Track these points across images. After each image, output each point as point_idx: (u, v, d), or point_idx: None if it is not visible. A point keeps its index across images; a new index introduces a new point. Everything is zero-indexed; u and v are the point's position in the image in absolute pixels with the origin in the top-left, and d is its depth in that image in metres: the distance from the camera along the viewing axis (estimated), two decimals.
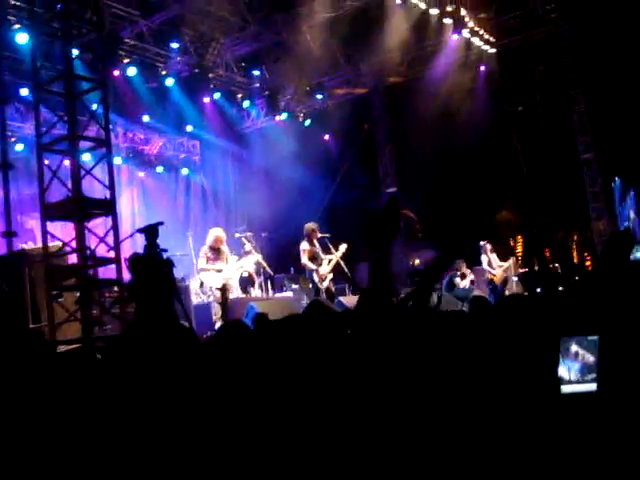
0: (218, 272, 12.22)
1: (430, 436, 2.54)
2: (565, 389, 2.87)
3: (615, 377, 2.87)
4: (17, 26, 13.32)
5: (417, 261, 20.06)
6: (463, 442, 2.57)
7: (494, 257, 15.96)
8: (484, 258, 15.86)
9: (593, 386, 2.86)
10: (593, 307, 3.67)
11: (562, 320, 3.49)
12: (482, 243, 15.98)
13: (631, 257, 5.13)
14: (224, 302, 12.12)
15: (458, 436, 2.61)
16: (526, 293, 14.69)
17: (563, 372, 2.91)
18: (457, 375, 3.10)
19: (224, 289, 12.20)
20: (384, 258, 2.98)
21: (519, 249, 19.54)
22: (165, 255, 9.70)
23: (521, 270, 16.93)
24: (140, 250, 10.05)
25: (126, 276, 9.76)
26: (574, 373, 2.88)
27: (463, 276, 15.78)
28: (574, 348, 2.90)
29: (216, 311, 12.01)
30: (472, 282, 15.79)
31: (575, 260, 18.44)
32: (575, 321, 3.40)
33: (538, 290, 14.08)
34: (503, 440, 2.69)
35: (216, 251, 12.36)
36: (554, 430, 2.70)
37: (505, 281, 15.82)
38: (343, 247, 13.66)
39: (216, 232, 12.55)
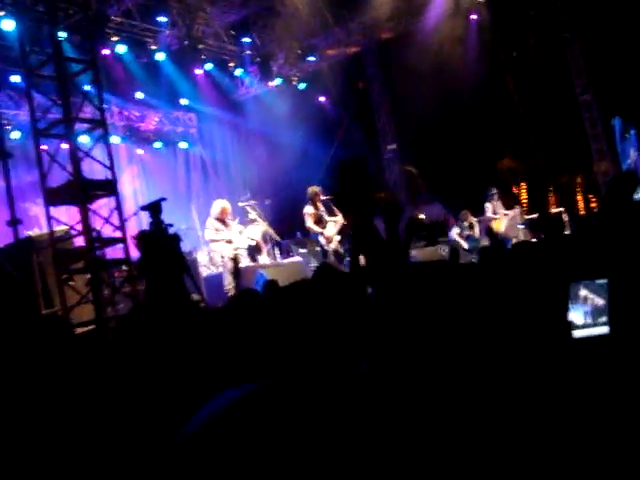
0: (228, 243, 12.25)
1: (446, 391, 2.57)
2: (577, 334, 2.89)
3: (627, 319, 2.88)
4: (2, 13, 13.24)
5: (422, 215, 20.08)
6: (478, 396, 2.60)
7: (499, 205, 15.94)
8: (488, 206, 15.82)
9: (605, 329, 2.88)
10: (599, 250, 3.69)
11: (570, 265, 3.51)
12: (493, 191, 15.94)
13: (635, 197, 5.14)
14: (236, 272, 12.17)
15: (473, 391, 2.63)
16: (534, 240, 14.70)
17: (574, 317, 2.92)
18: (469, 327, 3.12)
19: (235, 259, 12.26)
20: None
21: (524, 196, 19.52)
22: (171, 230, 9.75)
23: (527, 217, 16.90)
24: (146, 227, 10.11)
25: (134, 254, 9.82)
26: (585, 317, 2.90)
27: (471, 226, 15.78)
28: (583, 292, 2.91)
29: (229, 281, 12.06)
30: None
31: (580, 203, 18.43)
32: (582, 265, 3.42)
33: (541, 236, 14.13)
34: (518, 388, 2.71)
35: (222, 222, 12.36)
36: (568, 375, 2.72)
37: (510, 229, 15.79)
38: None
39: (221, 203, 12.53)
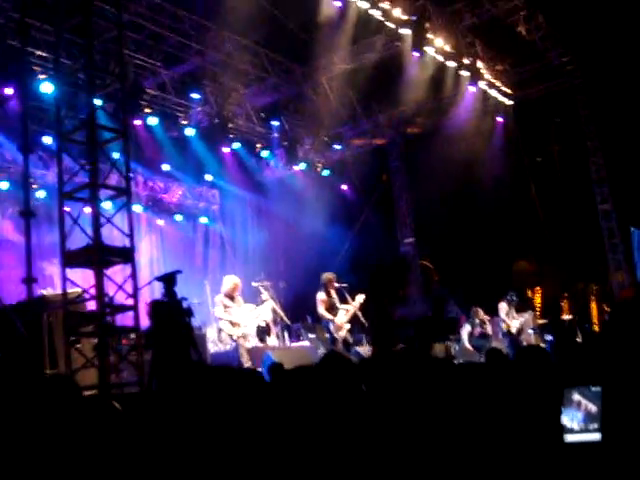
0: (234, 325, 12.24)
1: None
2: (569, 438, 2.87)
3: (619, 428, 2.86)
4: (42, 76, 13.65)
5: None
6: None
7: (513, 308, 15.86)
8: (503, 307, 15.68)
9: (597, 436, 2.86)
10: (598, 358, 3.68)
11: (567, 371, 3.50)
12: (512, 294, 15.85)
13: None
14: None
15: None
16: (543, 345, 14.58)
17: (566, 421, 2.91)
18: (466, 425, 3.10)
19: (244, 337, 12.23)
20: (385, 310, 3.02)
21: (537, 300, 19.44)
22: (184, 304, 9.77)
23: (539, 322, 16.81)
24: (158, 297, 10.14)
25: (144, 323, 9.81)
26: (577, 422, 2.89)
27: (483, 323, 15.69)
28: (576, 397, 2.91)
29: (246, 359, 12.02)
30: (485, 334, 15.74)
31: (594, 312, 18.30)
32: (579, 372, 3.41)
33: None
34: None
35: (231, 299, 12.36)
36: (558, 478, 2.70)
37: (520, 332, 15.68)
38: (360, 297, 13.66)
39: (232, 279, 12.57)
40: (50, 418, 3.13)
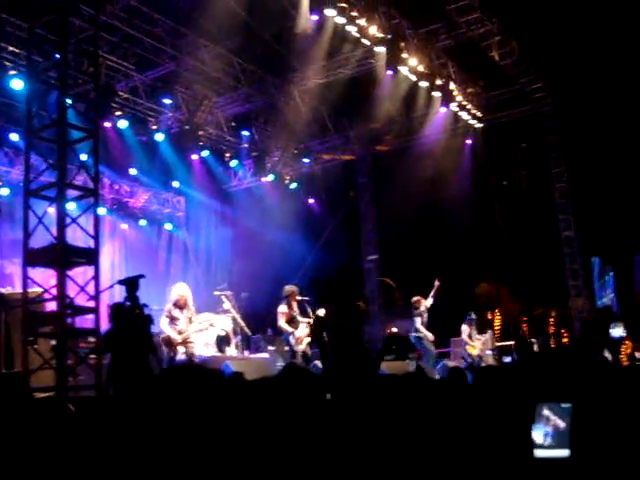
0: (179, 334, 11.85)
1: None
2: (538, 453, 2.89)
3: (587, 444, 2.89)
4: (13, 72, 13.49)
5: (394, 329, 20.05)
6: None
7: (474, 329, 15.90)
8: (465, 329, 15.68)
9: (565, 452, 2.88)
10: (568, 376, 3.71)
11: (537, 387, 3.53)
12: (472, 315, 15.82)
13: (610, 333, 5.20)
14: (189, 356, 11.79)
15: None
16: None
17: (536, 436, 2.93)
18: (434, 440, 3.10)
19: (185, 342, 11.80)
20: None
21: (497, 323, 19.58)
22: (146, 310, 9.67)
23: (497, 344, 16.91)
24: (120, 301, 10.03)
25: (103, 327, 9.70)
26: (545, 438, 2.91)
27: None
28: (546, 413, 2.93)
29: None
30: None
31: (551, 336, 18.48)
32: (549, 389, 3.44)
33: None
34: None
35: (180, 310, 11.90)
36: None
37: (480, 355, 15.71)
38: (321, 311, 13.65)
39: (179, 289, 12.00)
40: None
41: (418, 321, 15.17)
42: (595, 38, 14.39)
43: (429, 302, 15.21)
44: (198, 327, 13.26)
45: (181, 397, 2.94)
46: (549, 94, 17.62)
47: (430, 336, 15.11)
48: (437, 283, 15.21)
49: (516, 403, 3.17)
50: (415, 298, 15.45)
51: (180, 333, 11.68)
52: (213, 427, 2.93)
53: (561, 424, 2.87)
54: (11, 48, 13.50)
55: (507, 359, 16.13)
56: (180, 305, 11.87)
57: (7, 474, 2.76)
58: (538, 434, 2.90)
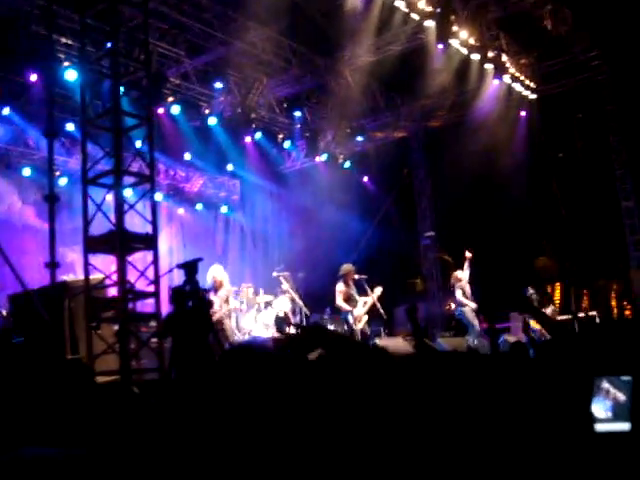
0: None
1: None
2: (599, 427, 2.86)
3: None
4: (67, 63, 13.71)
5: (453, 306, 19.94)
6: None
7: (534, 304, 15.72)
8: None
9: (626, 426, 2.84)
10: (629, 348, 3.66)
11: (596, 360, 3.48)
12: (530, 290, 15.66)
13: None
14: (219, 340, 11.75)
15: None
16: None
17: (595, 410, 2.90)
18: (493, 416, 3.09)
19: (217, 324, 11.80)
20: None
21: (557, 296, 19.35)
22: (206, 295, 9.79)
23: (559, 318, 16.70)
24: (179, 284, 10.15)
25: (163, 311, 9.84)
26: (605, 411, 2.87)
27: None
28: (605, 386, 2.89)
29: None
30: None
31: (614, 309, 18.19)
32: (609, 362, 3.39)
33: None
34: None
35: (215, 292, 11.89)
36: (589, 468, 2.68)
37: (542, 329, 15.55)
38: (379, 290, 13.69)
39: (212, 272, 12.15)
40: (66, 400, 3.15)
41: (459, 293, 15.09)
42: None
43: (466, 274, 15.07)
44: (232, 306, 13.18)
45: (241, 379, 2.97)
46: (605, 62, 17.23)
47: (473, 305, 15.00)
48: (468, 254, 15.09)
49: (575, 376, 3.13)
50: (453, 274, 15.43)
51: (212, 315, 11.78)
52: (276, 408, 2.96)
53: (621, 397, 2.84)
54: (64, 40, 13.71)
55: None
56: (215, 287, 11.99)
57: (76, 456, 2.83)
58: (598, 408, 2.87)
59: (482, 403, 3.20)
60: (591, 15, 15.63)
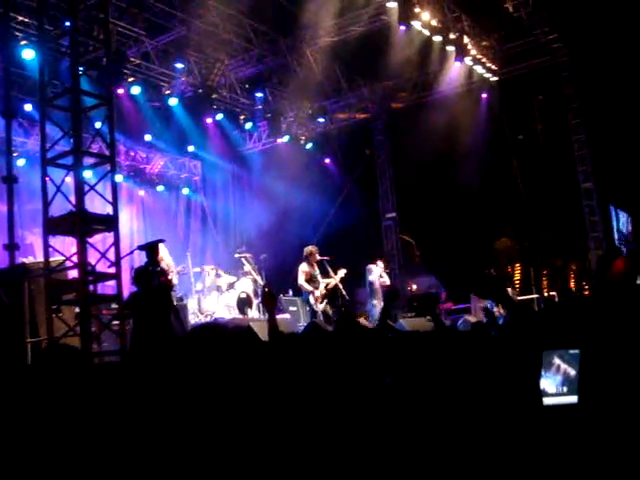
0: None
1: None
2: (547, 401, 2.90)
3: (595, 390, 2.91)
4: (24, 42, 13.44)
5: (414, 287, 20.09)
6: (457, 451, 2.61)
7: None
8: None
9: (574, 398, 2.90)
10: (576, 322, 3.72)
11: (545, 334, 3.55)
12: (490, 272, 15.76)
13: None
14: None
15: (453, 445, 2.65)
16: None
17: (545, 385, 2.94)
18: (452, 387, 3.14)
19: None
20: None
21: (517, 277, 19.58)
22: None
23: (519, 298, 16.89)
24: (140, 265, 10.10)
25: (124, 293, 9.79)
26: (556, 386, 2.92)
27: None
28: (556, 361, 2.94)
29: None
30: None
31: (573, 289, 18.46)
32: (557, 335, 3.45)
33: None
34: (491, 450, 2.72)
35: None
36: (538, 440, 2.73)
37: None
38: (342, 272, 13.73)
39: None
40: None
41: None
42: None
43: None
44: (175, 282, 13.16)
45: (208, 357, 2.98)
46: (565, 45, 17.36)
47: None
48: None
49: (525, 352, 3.19)
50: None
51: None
52: (238, 386, 2.97)
53: (571, 372, 2.88)
54: (21, 18, 13.41)
55: None
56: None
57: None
58: (549, 383, 2.91)
59: (444, 381, 3.25)
60: None
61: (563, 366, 2.94)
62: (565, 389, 2.90)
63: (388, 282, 15.02)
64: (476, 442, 2.78)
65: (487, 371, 3.33)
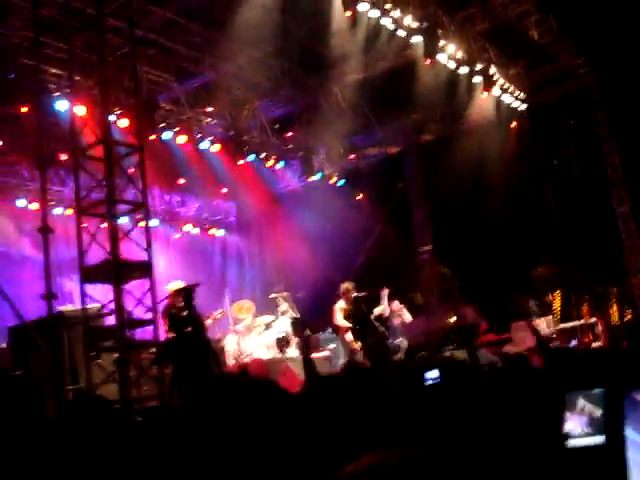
0: None
1: None
2: (573, 443, 2.84)
3: (622, 429, 2.85)
4: (57, 94, 13.70)
5: (454, 318, 19.90)
6: None
7: (534, 317, 15.73)
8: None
9: (601, 439, 2.83)
10: (604, 361, 3.66)
11: (569, 375, 3.48)
12: (532, 304, 15.63)
13: None
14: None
15: None
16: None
17: (570, 426, 2.88)
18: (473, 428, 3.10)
19: None
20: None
21: (557, 304, 19.32)
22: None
23: (561, 326, 16.68)
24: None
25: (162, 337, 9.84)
26: (581, 427, 2.85)
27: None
28: (580, 402, 2.87)
29: None
30: None
31: (614, 314, 18.17)
32: (581, 375, 3.39)
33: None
34: None
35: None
36: None
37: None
38: (379, 308, 13.69)
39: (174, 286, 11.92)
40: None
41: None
42: (634, 7, 14.07)
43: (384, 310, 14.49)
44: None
45: (233, 407, 2.97)
46: (592, 69, 17.30)
47: None
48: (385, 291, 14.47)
49: (547, 393, 3.14)
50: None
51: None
52: (277, 435, 2.95)
53: (597, 412, 2.82)
54: (53, 70, 13.71)
55: (573, 342, 15.84)
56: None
57: None
58: (574, 424, 2.85)
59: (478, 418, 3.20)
60: (575, 23, 15.71)
61: (588, 406, 2.87)
62: (591, 430, 2.83)
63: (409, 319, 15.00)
64: None
65: (511, 412, 3.29)
